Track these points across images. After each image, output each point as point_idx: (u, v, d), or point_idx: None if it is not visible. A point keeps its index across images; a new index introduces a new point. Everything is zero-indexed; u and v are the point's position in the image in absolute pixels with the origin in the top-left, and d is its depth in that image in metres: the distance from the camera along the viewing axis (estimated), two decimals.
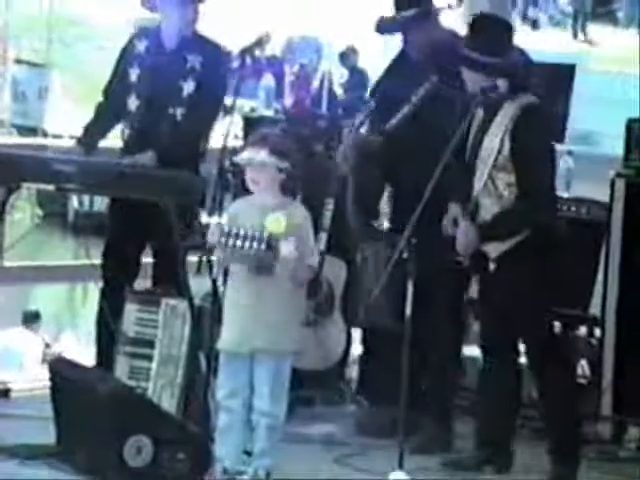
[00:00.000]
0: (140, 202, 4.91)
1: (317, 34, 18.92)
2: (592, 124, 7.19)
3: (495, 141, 4.66)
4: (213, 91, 5.22)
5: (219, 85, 5.29)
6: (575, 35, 21.21)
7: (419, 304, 4.51)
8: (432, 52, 5.04)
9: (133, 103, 5.24)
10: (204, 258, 4.75)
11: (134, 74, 5.26)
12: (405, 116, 5.09)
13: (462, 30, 5.07)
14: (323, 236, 5.52)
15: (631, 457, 5.14)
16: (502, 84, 4.89)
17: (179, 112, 5.15)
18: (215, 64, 5.25)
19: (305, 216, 4.34)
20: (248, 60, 5.28)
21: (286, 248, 4.13)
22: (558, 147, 6.40)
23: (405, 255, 4.42)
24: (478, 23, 4.79)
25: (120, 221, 5.24)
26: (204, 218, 5.51)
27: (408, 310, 4.40)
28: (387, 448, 4.67)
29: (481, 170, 4.68)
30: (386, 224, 5.53)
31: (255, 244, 4.11)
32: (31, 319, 9.67)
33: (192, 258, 5.14)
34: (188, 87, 5.16)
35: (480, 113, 4.75)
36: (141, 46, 5.30)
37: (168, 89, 5.17)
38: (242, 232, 4.13)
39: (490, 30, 4.71)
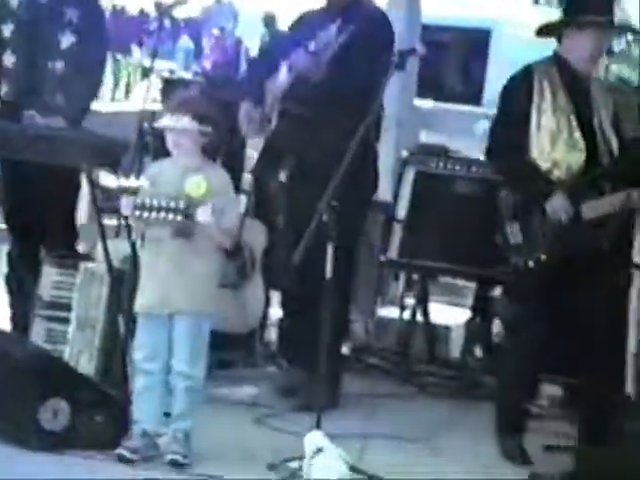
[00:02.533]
0: (38, 164, 4.83)
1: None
2: None
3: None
4: (95, 45, 5.17)
5: (101, 39, 5.24)
6: None
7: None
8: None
9: (9, 59, 5.17)
10: (122, 221, 4.72)
11: (7, 30, 5.19)
12: (328, 60, 5.06)
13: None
14: (243, 199, 5.52)
15: (543, 414, 5.24)
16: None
17: (58, 66, 5.10)
18: (94, 17, 5.20)
19: (225, 179, 4.35)
20: (166, 22, 5.23)
21: (203, 215, 4.14)
22: (475, 110, 6.49)
23: (325, 218, 4.42)
24: None
25: (18, 183, 5.17)
26: (123, 181, 5.45)
27: (328, 272, 4.42)
28: (308, 409, 4.70)
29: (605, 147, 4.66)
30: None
31: (171, 215, 4.11)
32: None
33: (111, 222, 5.11)
34: (67, 40, 5.11)
35: (546, 86, 4.66)
36: (14, 0, 5.22)
37: (45, 43, 5.11)
38: (156, 203, 4.12)
39: None
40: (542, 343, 4.67)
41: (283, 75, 5.20)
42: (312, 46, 5.10)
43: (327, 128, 5.02)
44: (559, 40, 4.75)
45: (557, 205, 4.58)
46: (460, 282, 6.49)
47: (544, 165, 4.62)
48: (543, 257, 4.58)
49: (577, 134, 4.61)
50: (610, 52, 6.28)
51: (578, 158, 4.62)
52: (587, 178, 4.61)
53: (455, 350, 6.06)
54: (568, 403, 5.39)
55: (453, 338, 6.12)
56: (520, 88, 4.70)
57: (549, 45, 4.83)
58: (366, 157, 5.02)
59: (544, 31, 4.80)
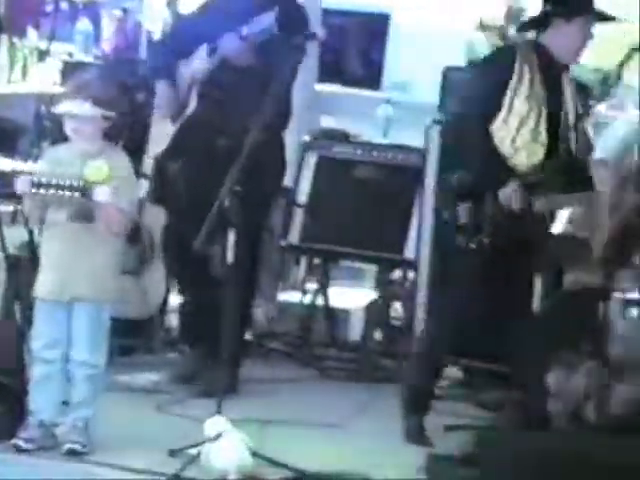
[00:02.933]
0: None
1: None
2: (409, 73, 7.36)
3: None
4: None
5: None
6: None
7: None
8: None
9: None
10: (19, 207, 4.65)
11: None
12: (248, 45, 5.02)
13: None
14: (144, 183, 5.47)
15: (442, 395, 5.30)
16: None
17: None
18: None
19: (126, 163, 4.30)
20: (63, 4, 5.15)
21: (101, 195, 4.09)
22: (375, 95, 6.47)
23: (227, 204, 4.41)
24: None
25: None
26: (20, 165, 5.37)
27: (230, 257, 4.42)
28: (209, 395, 4.69)
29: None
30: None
31: (68, 192, 4.05)
32: None
33: (7, 208, 5.03)
34: None
35: (528, 70, 4.61)
36: None
37: None
38: (54, 181, 4.05)
39: None
40: (460, 325, 4.70)
41: (203, 58, 5.15)
42: (244, 31, 5.04)
43: (250, 114, 4.95)
44: (540, 29, 4.68)
45: (510, 194, 4.56)
46: (361, 265, 6.54)
47: (505, 150, 4.61)
48: (486, 241, 4.58)
49: (543, 126, 4.61)
50: (505, 37, 6.36)
51: (538, 150, 4.61)
52: (545, 172, 4.60)
53: (356, 333, 6.10)
54: (468, 384, 5.47)
55: (354, 321, 6.17)
56: (502, 67, 4.65)
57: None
58: (272, 144, 5.02)
59: (530, 26, 4.74)
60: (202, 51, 5.15)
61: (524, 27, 4.73)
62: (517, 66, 4.61)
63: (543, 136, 4.62)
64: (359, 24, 6.46)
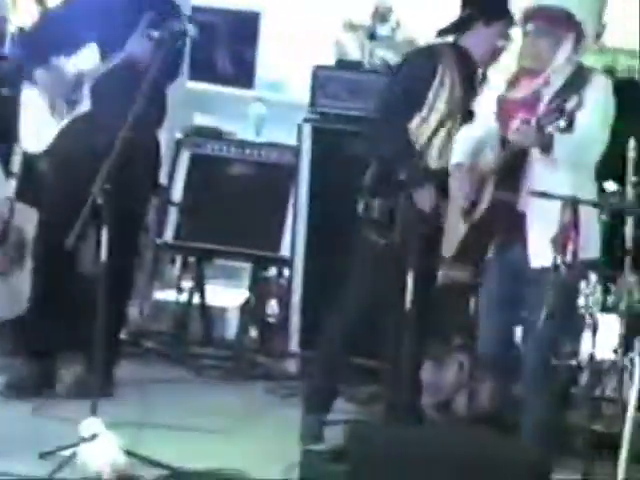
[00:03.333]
0: None
1: None
2: (281, 71, 7.40)
3: None
4: None
5: None
6: None
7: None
8: None
9: None
10: None
11: None
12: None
13: None
14: (12, 182, 5.38)
15: None
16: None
17: None
18: None
19: None
20: None
21: None
22: (247, 93, 6.43)
23: (100, 201, 4.38)
24: None
25: None
26: None
27: (103, 256, 4.38)
28: (83, 395, 4.65)
29: None
30: None
31: None
32: None
33: None
34: None
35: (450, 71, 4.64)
36: None
37: None
38: None
39: None
40: (360, 323, 4.72)
41: (94, 56, 5.07)
42: (155, 35, 4.95)
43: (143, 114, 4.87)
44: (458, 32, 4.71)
45: (424, 195, 4.55)
46: (236, 263, 6.55)
47: (420, 149, 4.59)
48: (396, 238, 4.54)
49: (457, 129, 4.60)
50: (373, 37, 6.43)
51: (450, 151, 4.60)
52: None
53: (232, 331, 6.11)
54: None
55: (230, 319, 6.18)
56: (426, 67, 4.65)
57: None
58: (146, 142, 5.00)
59: (450, 30, 4.73)
60: (91, 49, 5.09)
61: (445, 31, 4.76)
62: (440, 68, 4.64)
63: (456, 139, 4.64)
64: (229, 22, 6.43)
